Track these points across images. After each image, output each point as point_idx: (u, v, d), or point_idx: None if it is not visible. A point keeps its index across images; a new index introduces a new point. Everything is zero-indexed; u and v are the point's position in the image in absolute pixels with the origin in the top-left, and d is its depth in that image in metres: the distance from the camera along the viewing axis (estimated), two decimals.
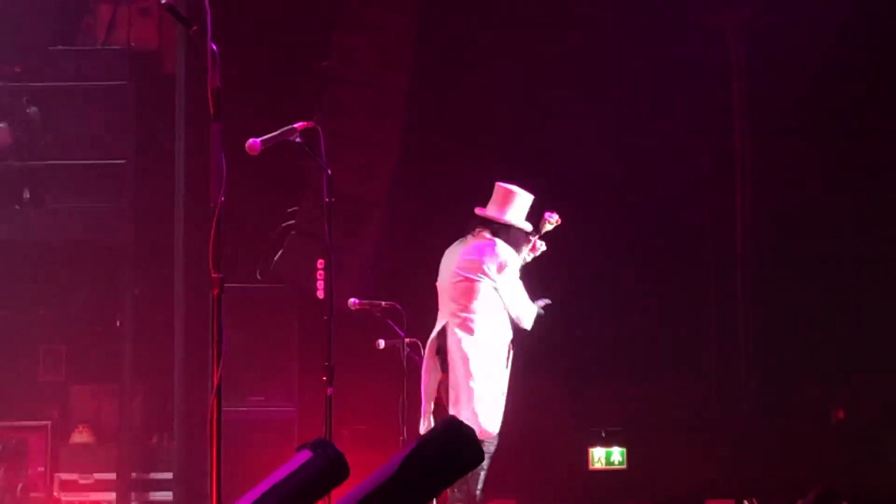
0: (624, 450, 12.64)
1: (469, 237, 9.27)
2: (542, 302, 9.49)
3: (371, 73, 12.53)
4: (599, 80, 12.83)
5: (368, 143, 12.45)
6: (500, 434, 9.26)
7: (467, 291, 9.13)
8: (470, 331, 9.08)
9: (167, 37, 12.96)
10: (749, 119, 13.13)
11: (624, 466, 12.62)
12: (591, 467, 12.65)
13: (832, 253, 12.69)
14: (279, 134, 6.90)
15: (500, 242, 9.17)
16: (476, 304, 9.10)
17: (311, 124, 7.07)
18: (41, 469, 12.16)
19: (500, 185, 9.37)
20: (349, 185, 11.88)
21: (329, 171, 7.13)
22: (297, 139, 6.98)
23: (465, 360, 9.06)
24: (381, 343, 9.57)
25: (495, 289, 9.11)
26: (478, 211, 9.31)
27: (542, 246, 9.64)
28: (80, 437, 12.59)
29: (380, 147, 12.53)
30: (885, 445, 12.35)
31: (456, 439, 3.27)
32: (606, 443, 12.67)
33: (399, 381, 9.40)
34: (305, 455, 3.43)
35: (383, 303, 9.45)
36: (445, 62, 12.96)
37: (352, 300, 9.44)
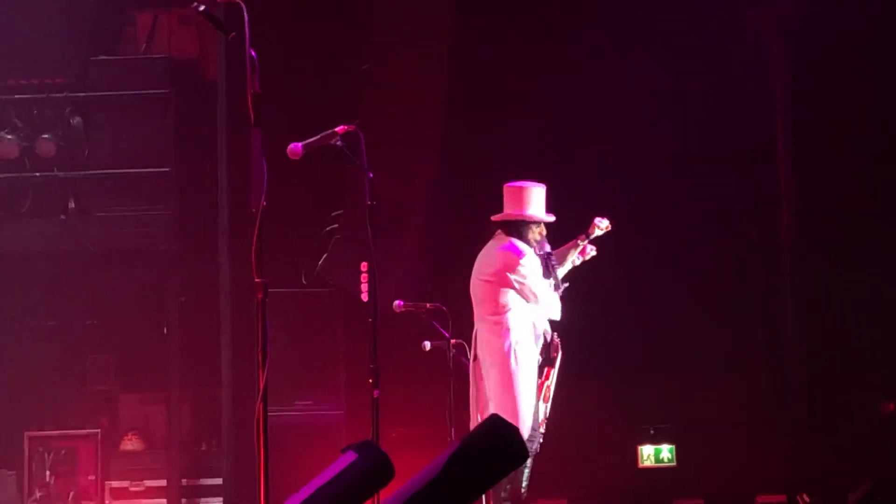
0: (673, 447, 12.60)
1: (490, 242, 9.28)
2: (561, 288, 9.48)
3: (410, 75, 12.54)
4: (642, 81, 12.79)
5: (409, 146, 12.46)
6: (549, 432, 9.25)
7: (488, 294, 9.13)
8: (494, 333, 9.07)
9: (208, 44, 13.02)
10: (793, 119, 13.06)
11: (673, 464, 12.58)
12: (640, 465, 12.62)
13: (880, 246, 12.59)
14: (320, 138, 6.93)
15: (514, 241, 9.15)
16: (497, 306, 9.10)
17: (352, 128, 7.09)
18: (92, 477, 12.24)
19: (507, 185, 9.35)
20: (391, 188, 11.88)
21: (371, 174, 7.13)
22: (339, 143, 7.00)
23: (494, 363, 9.07)
24: (427, 345, 9.57)
25: (515, 288, 9.09)
26: (493, 218, 9.30)
27: (592, 250, 9.64)
28: (130, 444, 12.66)
29: (421, 149, 12.54)
30: None
31: (499, 438, 3.26)
32: (656, 440, 12.63)
33: (445, 383, 9.40)
34: (351, 457, 3.43)
35: (428, 304, 9.45)
36: (485, 63, 12.95)
37: (397, 302, 9.44)
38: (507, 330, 9.08)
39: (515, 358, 9.06)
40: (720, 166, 12.89)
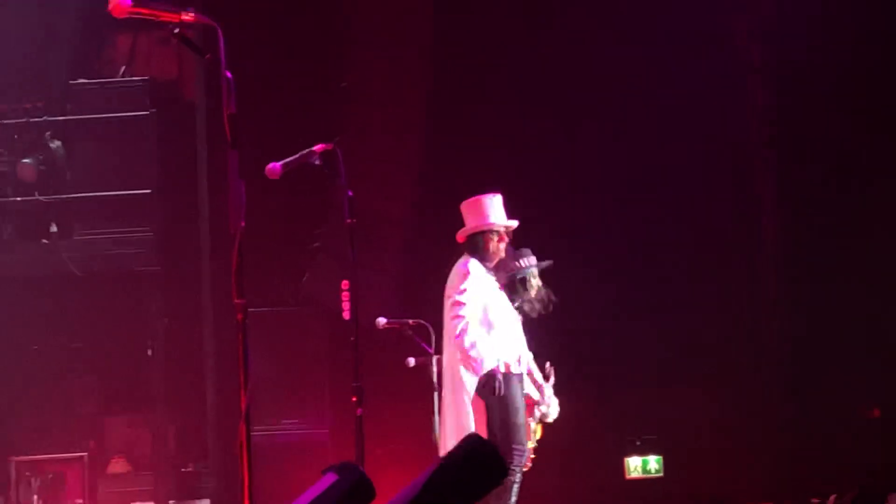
0: (660, 458, 12.61)
1: None
2: (545, 263, 9.44)
3: (390, 90, 12.55)
4: (625, 90, 12.81)
5: (390, 161, 12.47)
6: (536, 445, 9.26)
7: (446, 314, 9.10)
8: (453, 350, 9.03)
9: (187, 65, 13.01)
10: (772, 122, 13.10)
11: (661, 474, 12.58)
12: (627, 476, 12.63)
13: (862, 254, 12.62)
14: (299, 157, 6.94)
15: (467, 260, 9.09)
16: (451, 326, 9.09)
17: (330, 146, 7.10)
18: (80, 501, 12.17)
19: (462, 203, 9.31)
20: (372, 204, 11.89)
21: (350, 193, 7.13)
22: (317, 161, 7.01)
23: (452, 379, 9.04)
24: (412, 361, 9.57)
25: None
26: (457, 239, 9.27)
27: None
28: (117, 467, 12.63)
29: (401, 164, 12.55)
30: None
31: (478, 456, 3.26)
32: (642, 451, 12.64)
33: (430, 399, 9.39)
34: (331, 478, 3.43)
35: (411, 321, 9.45)
36: (465, 76, 12.96)
37: (380, 319, 9.45)
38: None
39: (468, 375, 8.99)
40: (703, 176, 12.91)
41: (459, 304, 8.94)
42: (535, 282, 9.50)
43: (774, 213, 13.08)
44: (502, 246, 9.21)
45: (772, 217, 13.09)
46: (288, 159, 6.85)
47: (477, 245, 9.15)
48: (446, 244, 10.30)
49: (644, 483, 12.61)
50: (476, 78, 12.98)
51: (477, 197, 9.27)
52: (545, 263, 9.54)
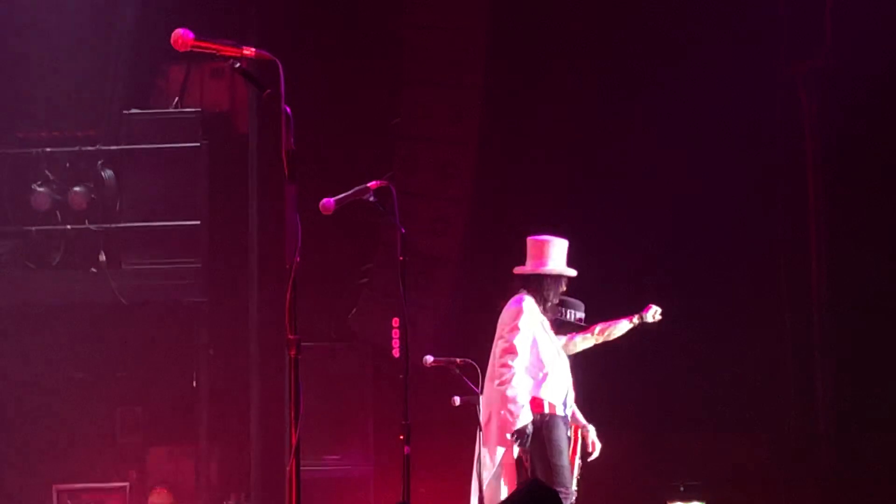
0: None
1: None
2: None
3: (441, 129, 12.56)
4: (669, 135, 12.77)
5: (441, 199, 12.46)
6: (579, 490, 9.21)
7: (496, 355, 9.11)
8: (499, 390, 9.01)
9: (239, 98, 13.07)
10: (823, 167, 13.03)
11: None
12: None
13: None
14: (353, 193, 6.93)
15: (522, 295, 9.12)
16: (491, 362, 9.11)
17: (384, 183, 7.09)
18: None
19: (530, 238, 9.35)
20: (422, 242, 11.88)
21: (403, 230, 7.12)
22: (371, 198, 6.99)
23: (488, 422, 9.03)
24: (457, 400, 9.51)
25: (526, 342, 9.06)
26: (515, 271, 9.30)
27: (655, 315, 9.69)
28: (159, 498, 12.62)
29: (452, 202, 12.54)
30: None
31: (539, 500, 3.23)
32: (685, 497, 12.53)
33: (474, 438, 9.34)
34: None
35: (458, 360, 9.41)
36: (517, 115, 12.97)
37: (427, 357, 9.41)
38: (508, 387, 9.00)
39: (509, 421, 8.96)
40: (750, 216, 12.85)
41: (511, 350, 8.94)
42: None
43: (824, 256, 12.97)
44: (560, 293, 9.27)
45: (821, 260, 12.98)
46: (342, 195, 6.84)
47: (539, 286, 9.18)
48: (495, 283, 10.29)
49: None
50: (526, 116, 12.98)
51: (549, 237, 9.31)
52: (583, 325, 9.60)
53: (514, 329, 8.99)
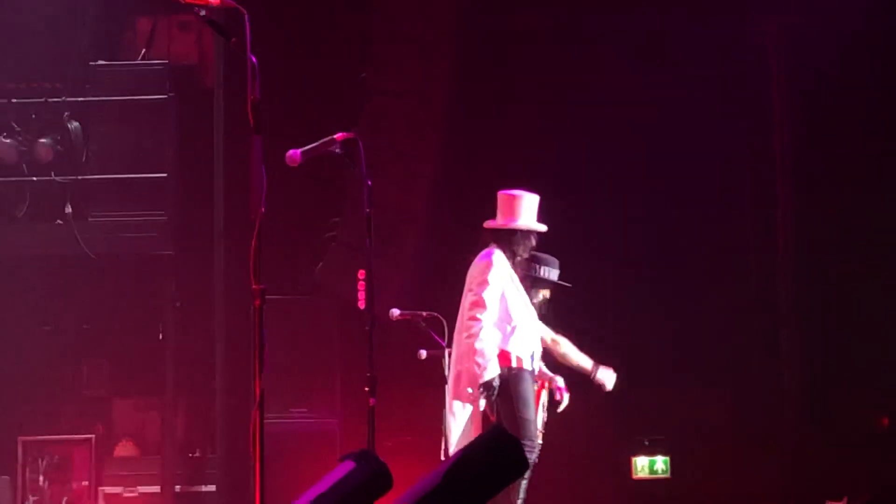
0: (668, 458, 12.58)
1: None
2: (564, 284, 9.54)
3: (411, 83, 12.53)
4: (639, 91, 12.79)
5: (409, 154, 12.45)
6: (543, 444, 9.27)
7: (465, 308, 9.13)
8: (467, 343, 9.04)
9: (207, 50, 13.00)
10: (789, 127, 13.05)
11: (668, 475, 12.56)
12: (634, 476, 12.59)
13: (877, 258, 12.58)
14: (319, 145, 6.92)
15: (493, 251, 9.13)
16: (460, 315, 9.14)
17: (350, 135, 7.09)
18: (86, 483, 12.19)
19: (501, 193, 9.36)
20: (390, 196, 11.87)
21: (369, 182, 7.12)
22: (338, 150, 6.99)
23: (458, 376, 9.07)
24: (423, 353, 9.56)
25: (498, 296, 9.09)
26: (485, 225, 9.31)
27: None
28: (125, 450, 12.63)
29: (420, 157, 12.52)
30: None
31: (501, 449, 3.24)
32: (650, 451, 12.61)
33: (441, 391, 9.38)
34: (349, 466, 3.41)
35: (425, 313, 9.44)
36: (487, 69, 12.95)
37: (393, 311, 9.44)
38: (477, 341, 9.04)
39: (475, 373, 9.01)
40: (720, 175, 12.88)
41: (479, 304, 8.96)
42: (544, 294, 9.56)
43: (791, 216, 13.03)
44: (530, 248, 9.28)
45: (788, 220, 13.04)
46: (308, 147, 6.83)
47: (509, 241, 9.19)
48: (462, 238, 10.30)
49: (650, 483, 12.58)
50: (498, 74, 12.97)
51: (519, 192, 9.30)
52: (564, 284, 9.60)
53: (483, 283, 9.02)
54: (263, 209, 5.25)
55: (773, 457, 12.53)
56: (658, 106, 12.79)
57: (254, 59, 5.29)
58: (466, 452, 3.25)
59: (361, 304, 9.48)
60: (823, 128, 12.82)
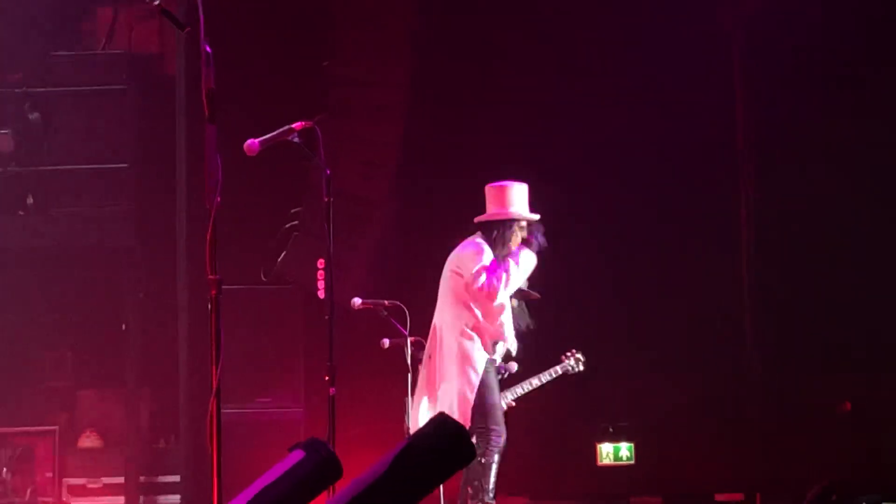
0: (632, 445, 12.61)
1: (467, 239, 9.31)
2: (532, 294, 9.56)
3: (373, 71, 12.52)
4: (603, 78, 12.81)
5: (371, 142, 12.44)
6: (508, 429, 9.29)
7: (448, 290, 9.17)
8: (450, 330, 9.09)
9: (168, 41, 12.95)
10: (752, 114, 13.09)
11: (632, 462, 12.59)
12: (599, 463, 12.62)
13: (839, 245, 12.63)
14: (277, 134, 6.92)
15: (479, 241, 9.15)
16: (454, 302, 9.16)
17: (309, 124, 7.08)
18: (49, 474, 12.15)
19: (489, 185, 9.37)
20: (352, 185, 11.87)
21: (328, 171, 7.13)
22: (296, 139, 6.99)
23: (442, 358, 9.10)
24: (386, 342, 9.56)
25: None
26: (477, 220, 9.33)
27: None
28: (88, 441, 12.58)
29: (382, 146, 12.52)
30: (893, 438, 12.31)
31: (446, 436, 3.25)
32: (614, 438, 12.64)
33: (403, 380, 9.39)
34: (298, 455, 3.41)
35: (386, 302, 9.44)
36: (449, 59, 12.94)
37: (355, 300, 9.43)
38: (461, 328, 9.11)
39: (461, 357, 9.05)
40: (680, 164, 12.90)
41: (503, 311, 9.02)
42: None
43: (752, 202, 13.06)
44: (519, 240, 9.31)
45: (749, 206, 13.07)
46: (266, 136, 6.83)
47: (498, 233, 9.20)
48: (423, 226, 10.32)
49: (615, 470, 12.61)
50: (462, 60, 12.95)
51: (509, 182, 9.32)
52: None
53: (499, 279, 9.06)
54: (219, 199, 5.24)
55: (736, 443, 12.58)
56: (622, 98, 12.81)
57: (208, 48, 5.27)
58: (412, 441, 3.26)
59: (321, 294, 9.54)
60: (784, 117, 12.86)
